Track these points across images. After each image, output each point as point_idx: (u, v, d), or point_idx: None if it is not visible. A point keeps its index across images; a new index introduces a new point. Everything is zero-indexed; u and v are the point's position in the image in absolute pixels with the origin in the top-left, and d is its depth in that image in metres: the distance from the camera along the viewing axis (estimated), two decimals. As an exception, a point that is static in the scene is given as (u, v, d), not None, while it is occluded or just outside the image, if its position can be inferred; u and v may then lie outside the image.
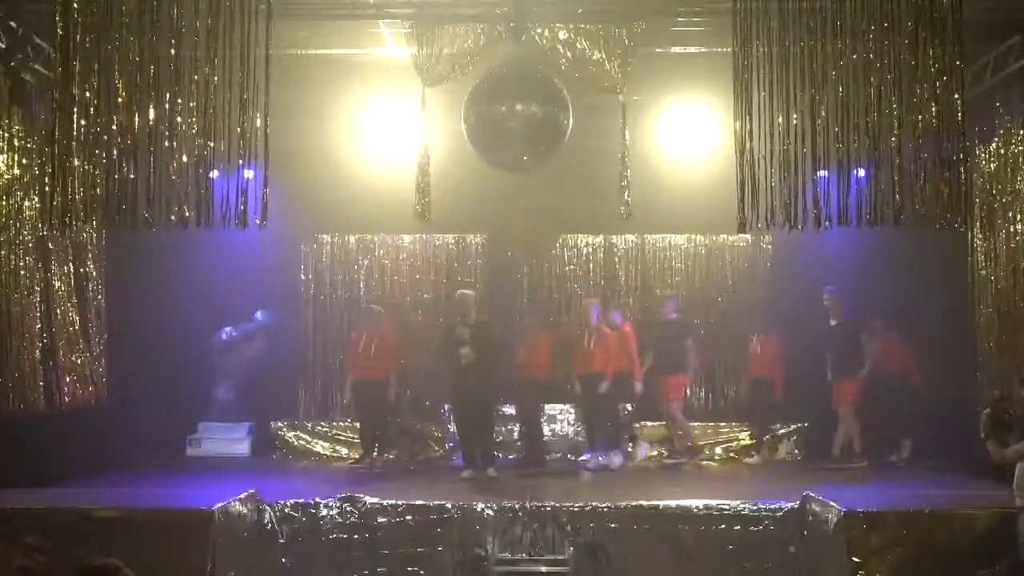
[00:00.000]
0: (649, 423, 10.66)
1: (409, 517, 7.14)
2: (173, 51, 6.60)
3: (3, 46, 7.75)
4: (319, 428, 10.86)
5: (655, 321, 10.76)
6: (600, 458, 9.64)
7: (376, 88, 9.70)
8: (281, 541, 7.11)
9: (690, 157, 10.49)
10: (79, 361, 8.79)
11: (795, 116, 6.66)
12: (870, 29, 6.65)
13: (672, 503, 7.20)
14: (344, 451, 10.57)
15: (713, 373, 11.44)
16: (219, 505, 6.69)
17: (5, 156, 7.88)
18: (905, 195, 6.68)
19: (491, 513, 7.13)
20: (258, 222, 6.70)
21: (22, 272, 8.00)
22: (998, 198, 8.48)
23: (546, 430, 10.30)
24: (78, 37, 6.58)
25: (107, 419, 9.21)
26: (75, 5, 6.57)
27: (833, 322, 9.82)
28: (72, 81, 6.59)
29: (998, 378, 8.37)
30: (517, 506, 7.17)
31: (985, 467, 6.91)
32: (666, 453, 10.36)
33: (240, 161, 6.59)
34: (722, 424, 10.79)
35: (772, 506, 7.15)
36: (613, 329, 9.81)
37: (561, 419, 10.49)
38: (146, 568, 6.47)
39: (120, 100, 6.61)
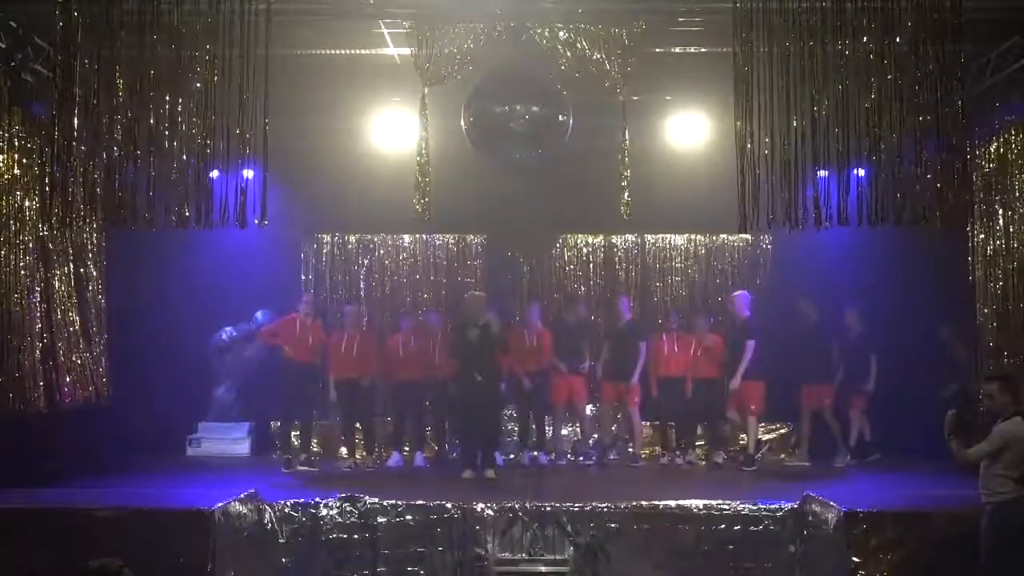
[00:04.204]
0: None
1: (409, 517, 7.14)
2: (173, 51, 6.60)
3: (3, 46, 7.75)
4: (320, 427, 10.84)
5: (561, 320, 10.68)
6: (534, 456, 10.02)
7: (376, 88, 9.70)
8: (281, 541, 7.11)
9: (690, 157, 10.48)
10: (79, 361, 8.78)
11: (795, 116, 6.65)
12: (870, 29, 6.64)
13: (672, 503, 7.19)
14: (343, 451, 10.57)
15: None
16: (219, 505, 6.70)
17: (5, 156, 7.87)
18: (905, 195, 6.68)
19: (491, 513, 7.13)
20: (258, 222, 6.71)
21: (22, 272, 7.99)
22: (998, 198, 8.48)
23: None
24: (78, 37, 6.58)
25: (107, 419, 9.21)
26: (75, 5, 6.57)
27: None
28: (72, 81, 6.59)
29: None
30: (517, 506, 7.17)
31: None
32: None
33: (240, 161, 6.60)
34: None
35: (772, 506, 7.15)
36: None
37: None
38: (146, 568, 6.50)
39: (120, 100, 6.62)
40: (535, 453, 10.10)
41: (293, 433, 10.16)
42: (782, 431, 10.61)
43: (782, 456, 10.32)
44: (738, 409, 9.87)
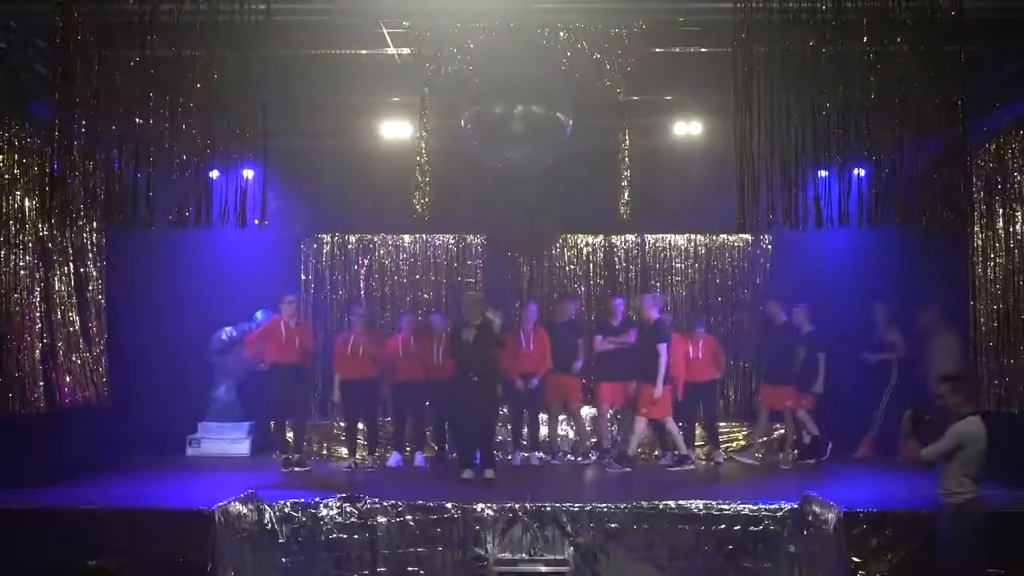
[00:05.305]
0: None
1: (409, 517, 7.15)
2: (173, 51, 6.60)
3: (3, 46, 7.75)
4: (320, 427, 10.86)
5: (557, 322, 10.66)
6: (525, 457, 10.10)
7: (376, 88, 9.70)
8: (281, 541, 7.11)
9: (690, 157, 10.48)
10: (79, 361, 8.78)
11: (795, 116, 6.65)
12: (870, 29, 6.64)
13: (672, 503, 7.19)
14: (344, 451, 10.58)
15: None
16: (219, 505, 6.71)
17: (5, 156, 7.87)
18: (905, 195, 6.69)
19: (491, 513, 7.14)
20: (257, 222, 6.72)
21: (22, 272, 8.00)
22: (998, 198, 8.48)
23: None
24: (78, 37, 6.57)
25: (107, 419, 9.21)
26: (75, 5, 6.56)
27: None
28: (72, 81, 6.58)
29: (997, 377, 8.39)
30: (517, 506, 7.17)
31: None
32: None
33: (240, 161, 6.60)
34: (722, 425, 10.76)
35: (772, 506, 7.15)
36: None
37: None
38: (146, 568, 6.55)
39: (120, 100, 6.62)
40: (526, 454, 10.12)
41: (288, 434, 10.16)
42: (780, 431, 10.60)
43: (780, 456, 10.32)
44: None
